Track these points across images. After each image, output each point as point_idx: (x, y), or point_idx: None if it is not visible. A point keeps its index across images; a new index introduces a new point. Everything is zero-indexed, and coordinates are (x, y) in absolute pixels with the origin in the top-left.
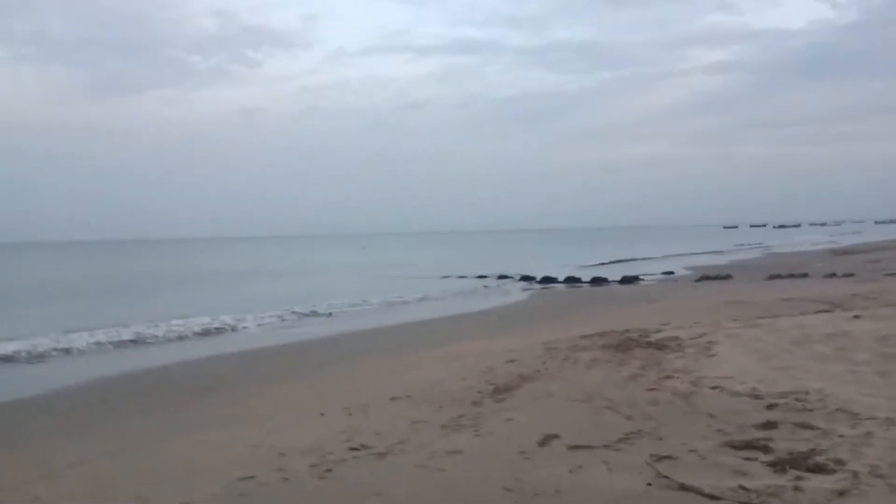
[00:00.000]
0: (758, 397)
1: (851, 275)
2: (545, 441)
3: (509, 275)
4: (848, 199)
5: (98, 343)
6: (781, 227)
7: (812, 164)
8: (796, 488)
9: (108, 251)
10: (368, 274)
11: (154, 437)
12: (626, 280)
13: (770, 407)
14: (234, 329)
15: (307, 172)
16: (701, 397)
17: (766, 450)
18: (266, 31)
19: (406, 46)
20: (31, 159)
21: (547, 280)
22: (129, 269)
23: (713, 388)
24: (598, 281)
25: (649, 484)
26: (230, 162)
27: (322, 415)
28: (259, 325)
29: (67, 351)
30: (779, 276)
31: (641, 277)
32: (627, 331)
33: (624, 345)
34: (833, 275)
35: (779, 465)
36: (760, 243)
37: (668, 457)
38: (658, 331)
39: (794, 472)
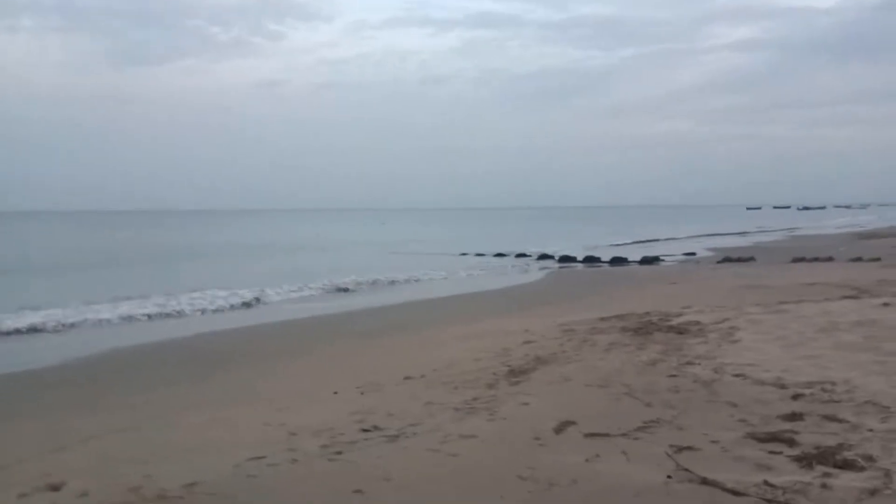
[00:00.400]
0: (782, 387)
1: (878, 259)
2: (561, 427)
3: (528, 253)
4: (875, 182)
5: (116, 315)
6: (806, 208)
7: (839, 146)
8: (824, 486)
9: (126, 221)
10: (386, 250)
11: (166, 412)
12: (646, 260)
13: (795, 397)
14: (250, 303)
15: (327, 146)
16: (723, 385)
17: (791, 443)
18: (287, 3)
19: (427, 19)
20: (52, 127)
21: (565, 259)
22: (146, 240)
23: (736, 375)
24: (617, 261)
25: (669, 476)
26: (250, 134)
27: (335, 393)
28: (276, 299)
29: (84, 322)
30: (803, 259)
31: (662, 258)
32: (647, 314)
33: (644, 328)
34: (859, 259)
35: (805, 461)
36: (787, 226)
37: (689, 448)
38: (679, 314)
39: (821, 469)
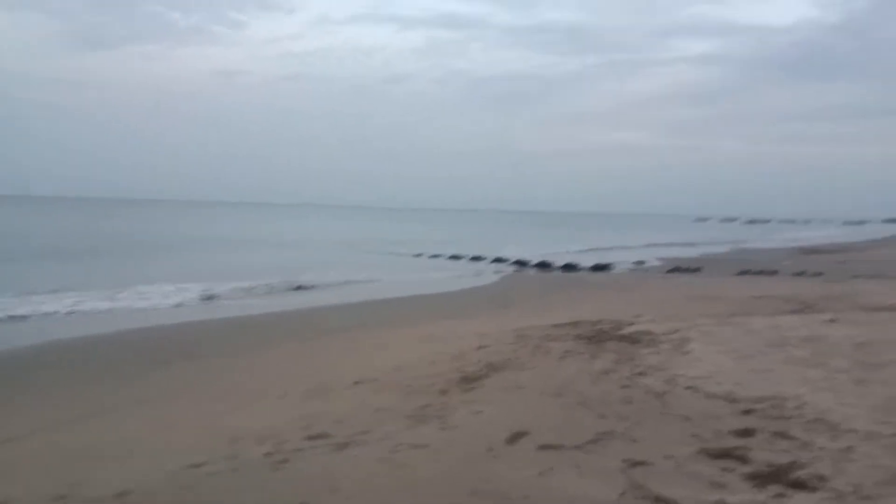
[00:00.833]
0: (734, 401)
1: (820, 274)
2: (514, 438)
3: (483, 256)
4: (819, 198)
5: (57, 307)
6: (752, 221)
7: (788, 163)
8: None
9: (77, 208)
10: (340, 248)
11: (100, 411)
12: (598, 268)
13: (746, 412)
14: (200, 299)
15: (288, 139)
16: (675, 397)
17: (744, 460)
18: None
19: (392, 17)
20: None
21: (520, 263)
22: (98, 230)
23: (688, 387)
24: (569, 267)
25: (623, 493)
26: (209, 123)
27: (281, 396)
28: (227, 295)
29: (17, 315)
30: (749, 272)
31: (613, 266)
32: (600, 321)
33: (597, 336)
34: (802, 273)
35: (758, 479)
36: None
37: (642, 463)
38: (631, 323)
39: (774, 488)
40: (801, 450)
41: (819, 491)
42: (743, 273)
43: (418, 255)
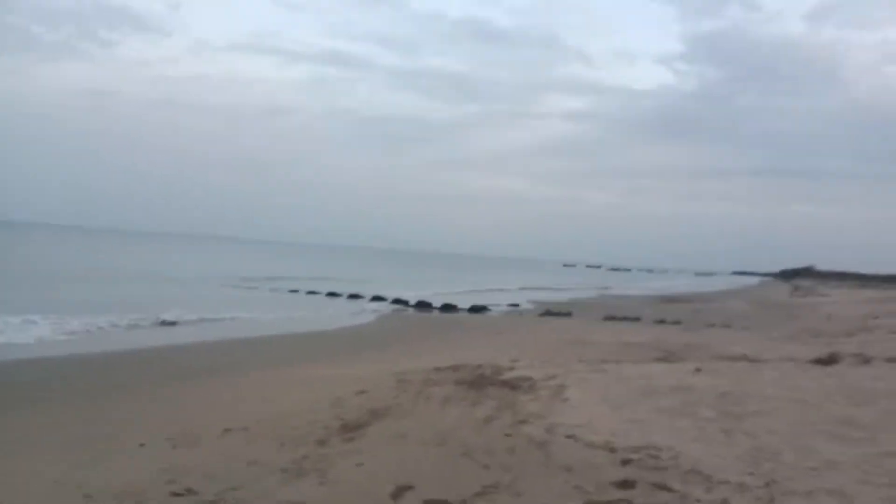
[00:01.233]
0: (612, 450)
1: (679, 322)
2: (399, 493)
3: (361, 294)
4: (675, 250)
5: None
6: (615, 269)
7: (648, 216)
8: None
9: None
10: (209, 282)
11: None
12: (475, 309)
13: (625, 462)
14: (48, 333)
15: (156, 163)
16: (557, 447)
17: None
18: (123, 11)
19: (275, 49)
20: None
21: (398, 302)
22: None
23: (568, 436)
24: (447, 308)
25: None
26: (73, 145)
27: (142, 445)
28: (77, 330)
29: None
30: (614, 318)
31: (489, 307)
32: (480, 366)
33: (478, 382)
34: (662, 321)
35: None
36: (598, 284)
37: None
38: (510, 368)
39: None
40: (680, 502)
41: None
42: (609, 318)
43: (294, 291)
